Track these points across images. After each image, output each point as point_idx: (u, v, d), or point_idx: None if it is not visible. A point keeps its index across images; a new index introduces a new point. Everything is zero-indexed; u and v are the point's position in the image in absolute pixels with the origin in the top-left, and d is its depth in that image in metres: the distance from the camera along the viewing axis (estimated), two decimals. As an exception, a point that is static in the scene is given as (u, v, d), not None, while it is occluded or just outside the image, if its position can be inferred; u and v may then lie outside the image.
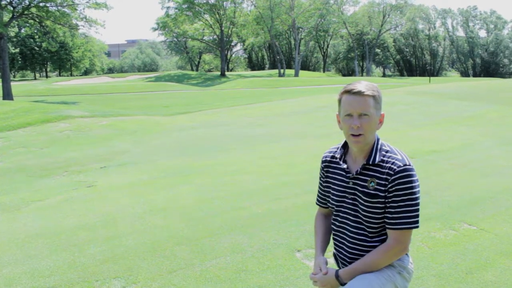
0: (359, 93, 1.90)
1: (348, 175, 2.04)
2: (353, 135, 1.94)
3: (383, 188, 1.93)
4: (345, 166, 2.06)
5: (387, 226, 1.96)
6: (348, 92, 1.93)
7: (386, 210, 1.94)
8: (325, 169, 2.18)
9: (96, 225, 4.86)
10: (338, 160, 2.10)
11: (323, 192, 2.23)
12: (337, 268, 2.15)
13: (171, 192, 6.12)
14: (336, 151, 2.15)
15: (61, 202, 5.93)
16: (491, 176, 6.43)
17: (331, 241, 2.22)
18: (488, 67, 71.16)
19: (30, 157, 9.26)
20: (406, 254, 2.08)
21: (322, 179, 2.22)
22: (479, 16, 74.21)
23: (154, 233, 4.57)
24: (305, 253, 3.98)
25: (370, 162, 1.97)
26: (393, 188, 1.91)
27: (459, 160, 7.46)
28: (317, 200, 2.29)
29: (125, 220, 5.01)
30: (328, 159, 2.17)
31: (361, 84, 1.94)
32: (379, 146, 2.00)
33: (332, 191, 2.13)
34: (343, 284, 2.00)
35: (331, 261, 2.21)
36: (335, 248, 2.19)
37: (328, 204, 2.18)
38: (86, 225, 4.87)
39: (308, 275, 3.54)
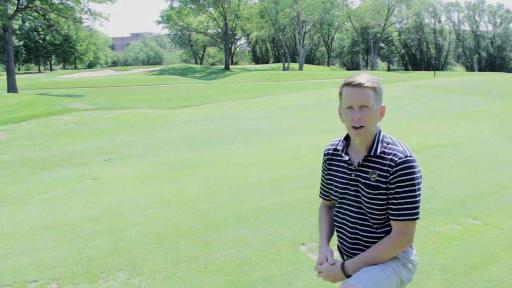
0: (359, 85, 1.91)
1: (350, 167, 2.05)
2: (354, 127, 1.95)
3: (384, 180, 1.94)
4: (347, 158, 2.06)
5: (390, 217, 1.97)
6: (348, 84, 1.95)
7: (389, 201, 1.95)
8: (327, 162, 2.19)
9: (101, 217, 4.88)
10: (340, 152, 2.11)
11: (325, 185, 2.23)
12: (342, 260, 2.16)
13: (175, 185, 6.13)
14: (338, 144, 2.16)
15: (66, 194, 5.95)
16: (496, 170, 6.40)
17: (335, 233, 2.22)
18: (494, 62, 70.59)
19: (35, 150, 9.29)
20: (410, 246, 2.09)
21: (324, 171, 2.22)
22: (487, 10, 73.50)
23: (158, 226, 4.58)
24: (309, 247, 3.98)
25: (372, 154, 1.98)
26: (395, 180, 1.91)
27: (463, 154, 7.43)
28: (320, 192, 2.30)
29: (130, 212, 5.03)
30: (331, 151, 2.18)
31: (361, 76, 1.95)
32: (380, 138, 2.01)
33: (334, 183, 2.13)
34: (348, 276, 1.99)
35: (336, 254, 2.20)
36: (338, 240, 2.19)
37: (331, 196, 2.18)
38: (91, 217, 4.89)
39: (313, 269, 3.55)
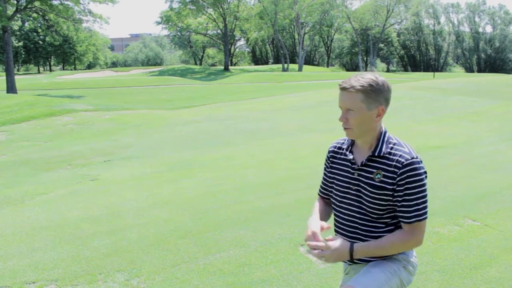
0: (344, 89, 1.95)
1: (353, 166, 2.05)
2: (343, 127, 2.01)
3: (390, 181, 1.93)
4: (351, 156, 2.07)
5: (400, 220, 1.95)
6: (339, 86, 2.00)
7: (399, 204, 1.93)
8: (331, 159, 2.19)
9: (100, 218, 4.87)
10: (344, 151, 2.12)
11: (327, 183, 2.22)
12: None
13: (174, 186, 6.13)
14: (343, 143, 2.17)
15: (65, 195, 5.94)
16: (495, 171, 6.40)
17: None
18: (494, 63, 70.59)
19: (34, 151, 9.28)
20: None
21: (327, 169, 2.22)
22: (487, 11, 73.50)
23: (157, 227, 4.58)
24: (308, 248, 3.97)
25: (376, 154, 1.98)
26: (403, 182, 1.91)
27: (463, 155, 7.43)
28: (320, 191, 2.28)
29: (129, 213, 5.02)
30: (335, 149, 2.19)
31: (354, 78, 1.96)
32: (385, 139, 2.01)
33: (336, 182, 2.13)
34: (351, 260, 1.93)
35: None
36: None
37: (331, 194, 2.18)
38: (90, 218, 4.89)
39: (311, 270, 3.55)
